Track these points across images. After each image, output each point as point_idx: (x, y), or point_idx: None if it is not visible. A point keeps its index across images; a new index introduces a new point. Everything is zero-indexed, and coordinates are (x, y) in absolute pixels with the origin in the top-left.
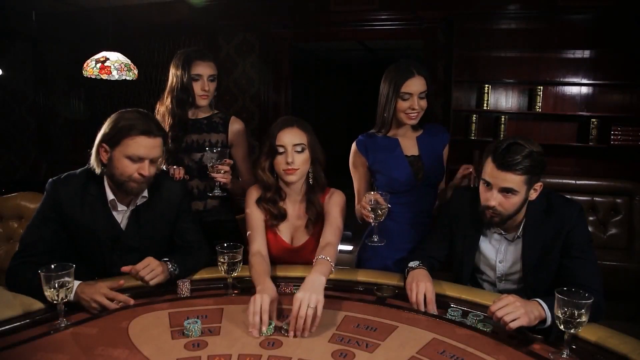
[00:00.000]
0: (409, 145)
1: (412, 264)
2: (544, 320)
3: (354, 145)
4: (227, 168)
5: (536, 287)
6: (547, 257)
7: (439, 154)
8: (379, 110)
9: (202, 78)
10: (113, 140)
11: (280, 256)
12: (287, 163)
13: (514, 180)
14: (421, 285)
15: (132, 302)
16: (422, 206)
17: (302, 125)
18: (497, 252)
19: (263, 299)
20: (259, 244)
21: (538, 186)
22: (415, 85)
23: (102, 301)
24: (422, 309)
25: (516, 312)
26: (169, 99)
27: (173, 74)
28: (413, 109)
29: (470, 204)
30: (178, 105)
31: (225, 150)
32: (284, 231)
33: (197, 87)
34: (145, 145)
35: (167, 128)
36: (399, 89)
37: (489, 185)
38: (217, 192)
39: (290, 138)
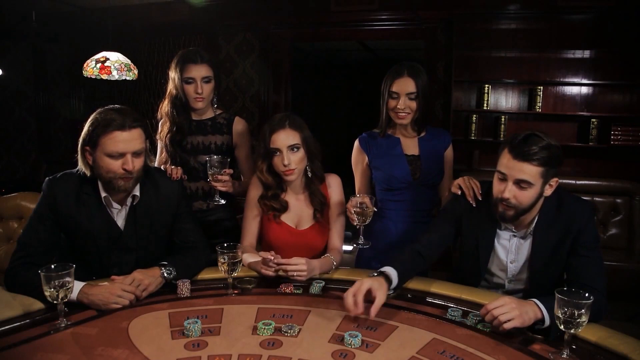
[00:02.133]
0: (410, 145)
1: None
2: (543, 320)
3: (356, 142)
4: (227, 178)
5: (543, 285)
6: (555, 256)
7: (439, 155)
8: (381, 109)
9: (195, 81)
10: (92, 141)
11: (286, 242)
12: (284, 165)
13: (530, 171)
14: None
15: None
16: (419, 205)
17: (294, 123)
18: (508, 252)
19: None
20: (248, 240)
21: (554, 182)
22: (402, 85)
23: (128, 293)
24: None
25: (511, 312)
26: (166, 102)
27: (170, 78)
28: (399, 108)
29: (484, 200)
30: (174, 109)
31: (226, 159)
32: (288, 218)
33: (190, 90)
34: (122, 140)
35: (166, 131)
36: (389, 88)
37: (504, 177)
38: (217, 199)
39: (284, 140)
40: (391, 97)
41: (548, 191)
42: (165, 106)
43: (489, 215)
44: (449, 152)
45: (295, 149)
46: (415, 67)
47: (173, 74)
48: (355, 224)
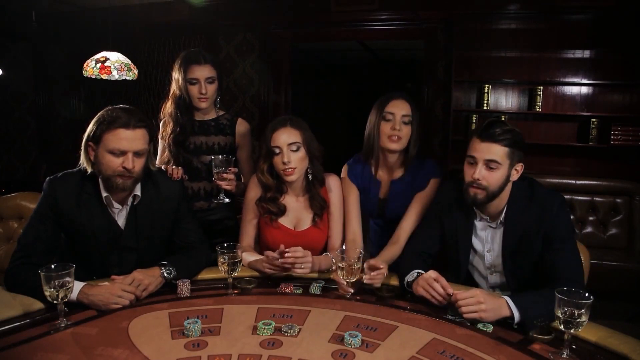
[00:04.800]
0: (385, 188)
1: (409, 277)
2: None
3: (344, 172)
4: (232, 176)
5: (517, 275)
6: (526, 245)
7: (407, 199)
8: (366, 136)
9: (199, 81)
10: (96, 137)
11: (285, 243)
12: (284, 163)
13: (497, 151)
14: (426, 279)
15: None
16: (390, 233)
17: (296, 123)
18: (485, 242)
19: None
20: (246, 242)
21: (519, 167)
22: (398, 106)
23: (128, 293)
24: (447, 294)
25: (475, 306)
26: (169, 103)
27: (174, 79)
28: (394, 129)
29: (458, 194)
30: (178, 110)
31: (230, 158)
32: (286, 221)
33: (194, 90)
34: (125, 138)
35: (169, 132)
36: (382, 109)
37: (473, 160)
38: (221, 198)
39: (285, 138)
40: (384, 119)
41: (515, 176)
42: (168, 107)
43: (465, 209)
44: (423, 194)
45: (295, 148)
46: (409, 96)
47: (177, 75)
48: (341, 278)
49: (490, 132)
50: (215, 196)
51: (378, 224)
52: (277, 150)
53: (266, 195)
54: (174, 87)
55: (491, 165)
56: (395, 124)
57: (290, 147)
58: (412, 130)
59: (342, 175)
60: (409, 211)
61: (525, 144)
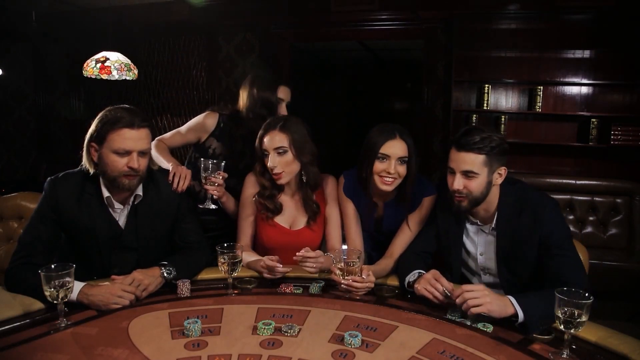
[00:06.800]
0: (379, 209)
1: (411, 277)
2: (517, 315)
3: (340, 185)
4: (220, 181)
5: (511, 280)
6: (520, 250)
7: (402, 215)
8: (359, 164)
9: (282, 103)
10: (99, 137)
11: (280, 242)
12: (270, 168)
13: (472, 161)
14: (427, 279)
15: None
16: (386, 245)
17: (285, 126)
18: (477, 245)
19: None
20: (244, 241)
21: (502, 170)
22: (395, 147)
23: (128, 293)
24: (447, 292)
25: (481, 299)
26: (247, 109)
27: (253, 96)
28: (388, 173)
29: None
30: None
31: (220, 162)
32: (282, 220)
33: (281, 109)
34: (130, 138)
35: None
36: (377, 149)
37: (452, 170)
38: (207, 204)
39: (271, 142)
40: (378, 158)
41: (498, 180)
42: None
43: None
44: (417, 214)
45: (281, 152)
46: (404, 129)
47: (267, 95)
48: (341, 279)
49: (465, 141)
50: (205, 200)
51: (374, 238)
52: (266, 153)
53: (264, 192)
54: (251, 104)
55: (469, 175)
56: (390, 168)
57: (276, 150)
58: (410, 167)
59: (339, 187)
60: (403, 230)
61: (506, 148)
